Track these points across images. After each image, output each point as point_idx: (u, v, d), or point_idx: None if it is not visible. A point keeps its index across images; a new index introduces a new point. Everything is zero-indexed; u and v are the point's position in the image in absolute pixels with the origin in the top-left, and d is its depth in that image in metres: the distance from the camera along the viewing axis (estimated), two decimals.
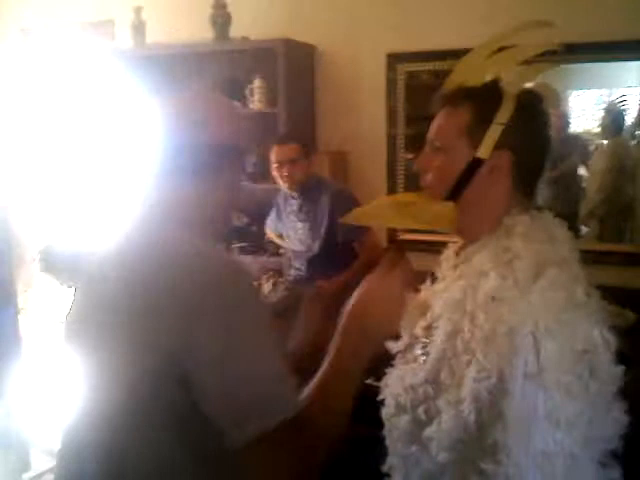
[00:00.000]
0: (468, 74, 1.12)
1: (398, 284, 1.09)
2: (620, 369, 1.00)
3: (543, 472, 0.92)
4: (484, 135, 1.07)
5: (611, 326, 1.00)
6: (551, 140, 1.13)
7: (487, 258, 1.06)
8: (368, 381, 1.29)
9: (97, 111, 4.16)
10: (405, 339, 1.19)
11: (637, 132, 3.20)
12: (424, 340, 1.12)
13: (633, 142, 3.26)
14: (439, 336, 1.07)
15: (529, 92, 1.10)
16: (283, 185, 3.14)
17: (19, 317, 3.04)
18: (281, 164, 3.08)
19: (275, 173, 3.13)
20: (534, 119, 1.11)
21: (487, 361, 0.96)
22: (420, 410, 1.06)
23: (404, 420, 1.10)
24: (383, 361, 1.20)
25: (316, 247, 3.11)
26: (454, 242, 1.22)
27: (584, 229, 3.45)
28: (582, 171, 3.47)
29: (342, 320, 1.07)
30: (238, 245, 3.77)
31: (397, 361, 1.21)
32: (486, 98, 1.08)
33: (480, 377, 0.96)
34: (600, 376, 0.96)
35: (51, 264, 2.66)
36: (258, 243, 3.71)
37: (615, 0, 3.05)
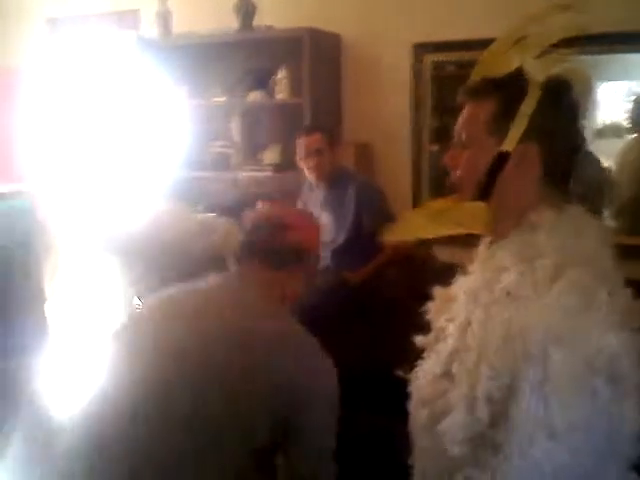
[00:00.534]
0: (492, 65, 1.08)
1: None
2: (636, 376, 0.94)
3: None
4: (509, 127, 1.04)
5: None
6: (582, 129, 1.09)
7: (510, 253, 1.03)
8: (398, 373, 1.29)
9: (121, 101, 4.18)
10: (433, 332, 1.18)
11: None
12: (441, 333, 1.12)
13: None
14: (454, 328, 1.06)
15: (556, 80, 1.05)
16: (310, 176, 3.15)
17: (46, 307, 3.08)
18: (308, 154, 3.08)
19: (302, 163, 3.13)
20: (561, 108, 1.06)
21: (499, 361, 0.93)
22: (438, 404, 1.04)
23: (424, 414, 1.09)
24: (414, 354, 1.19)
25: (341, 238, 3.11)
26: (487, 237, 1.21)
27: (612, 223, 3.40)
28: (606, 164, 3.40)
29: None
30: None
31: (425, 354, 1.19)
32: (510, 89, 1.05)
33: (493, 375, 0.93)
34: (621, 385, 0.91)
35: (113, 245, 2.73)
36: None
37: None
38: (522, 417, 0.90)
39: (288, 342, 1.44)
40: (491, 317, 0.98)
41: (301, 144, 3.11)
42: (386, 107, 3.62)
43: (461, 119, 1.11)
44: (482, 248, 1.18)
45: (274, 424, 1.36)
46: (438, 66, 3.45)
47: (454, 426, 0.98)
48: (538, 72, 1.04)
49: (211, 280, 1.61)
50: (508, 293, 0.98)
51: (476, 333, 0.99)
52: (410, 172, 3.59)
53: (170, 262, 2.65)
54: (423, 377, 1.12)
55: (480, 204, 1.08)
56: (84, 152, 4.56)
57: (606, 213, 3.39)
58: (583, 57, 3.22)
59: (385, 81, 3.60)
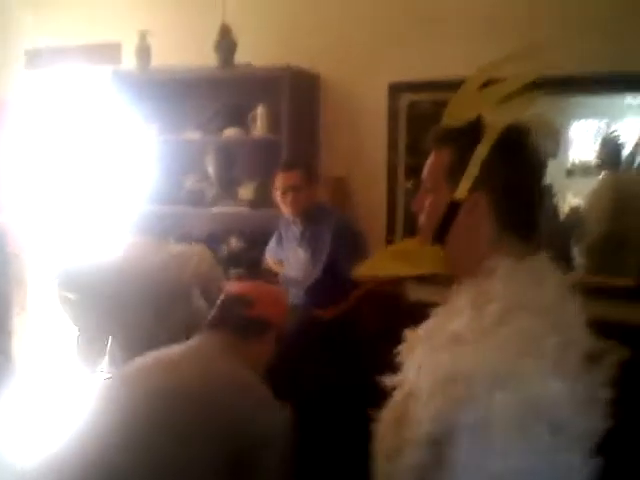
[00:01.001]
0: (455, 114, 1.11)
1: None
2: (596, 423, 0.94)
3: None
4: (462, 177, 1.05)
5: (604, 362, 0.97)
6: (540, 175, 1.10)
7: (464, 299, 1.04)
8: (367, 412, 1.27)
9: (96, 135, 4.17)
10: (400, 374, 1.17)
11: (635, 164, 3.20)
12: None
13: (631, 174, 3.27)
14: (407, 372, 1.07)
15: (513, 127, 1.06)
16: (287, 211, 3.15)
17: (12, 340, 3.01)
18: (285, 191, 3.08)
19: (279, 199, 3.14)
20: (515, 156, 1.06)
21: (441, 404, 0.92)
22: (392, 446, 1.03)
23: (382, 455, 1.08)
24: (383, 394, 1.18)
25: (315, 275, 3.10)
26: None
27: (579, 261, 3.45)
28: (576, 202, 3.47)
29: None
30: (235, 271, 3.75)
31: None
32: (466, 138, 1.06)
33: (435, 418, 0.92)
34: (564, 433, 0.91)
35: (71, 282, 2.64)
36: (255, 269, 3.69)
37: (612, 33, 3.08)
38: (462, 462, 0.89)
39: (245, 393, 1.62)
40: (437, 360, 0.98)
41: (279, 180, 3.11)
42: (363, 144, 3.66)
43: (425, 168, 1.14)
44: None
45: (230, 466, 1.50)
46: (413, 105, 3.51)
47: (402, 469, 0.97)
48: (498, 120, 1.05)
49: (181, 346, 1.77)
50: (457, 337, 0.98)
51: (422, 376, 0.99)
52: (385, 207, 3.62)
53: (142, 297, 2.58)
54: (382, 419, 1.11)
55: (436, 248, 1.11)
56: (58, 184, 4.54)
57: (575, 253, 3.44)
58: (552, 98, 3.36)
59: (362, 119, 3.65)
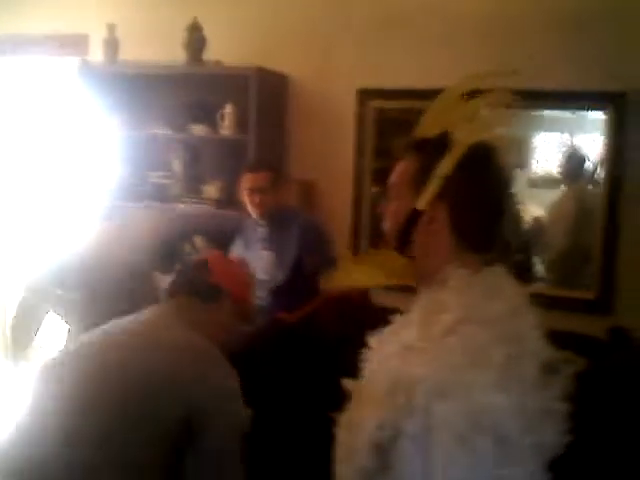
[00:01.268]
0: (427, 124, 1.13)
1: None
2: (550, 437, 0.95)
3: None
4: (425, 187, 1.07)
5: (560, 373, 0.99)
6: (503, 192, 1.12)
7: (419, 308, 1.06)
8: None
9: (61, 127, 4.10)
10: (358, 379, 1.18)
11: (596, 178, 3.27)
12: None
13: (592, 188, 3.34)
14: (362, 377, 1.08)
15: (479, 144, 1.08)
16: (253, 212, 3.13)
17: None
18: (252, 191, 3.07)
19: (245, 200, 3.11)
20: (479, 173, 1.08)
21: (385, 411, 0.93)
22: (344, 450, 1.05)
23: (338, 457, 1.08)
24: (345, 398, 1.18)
25: (280, 277, 3.09)
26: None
27: (537, 272, 3.51)
28: (539, 213, 3.54)
29: None
30: None
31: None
32: (432, 150, 1.08)
33: (379, 425, 0.93)
34: (508, 447, 0.91)
35: (61, 277, 2.59)
36: None
37: (577, 53, 3.16)
38: (404, 469, 0.91)
39: (196, 355, 1.61)
40: (386, 367, 0.99)
41: (247, 180, 3.09)
42: (330, 147, 3.67)
43: (392, 174, 1.16)
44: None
45: (183, 424, 1.51)
46: (381, 112, 3.53)
47: (351, 473, 0.98)
48: (465, 136, 1.07)
49: (136, 315, 1.78)
50: (407, 345, 1.00)
51: (372, 383, 1.01)
52: (351, 211, 3.64)
53: (120, 281, 2.56)
54: (341, 423, 1.11)
55: (400, 257, 1.12)
56: (22, 175, 4.44)
57: (537, 265, 3.51)
58: (517, 111, 3.42)
59: (330, 122, 3.66)
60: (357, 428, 1.00)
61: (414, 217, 1.08)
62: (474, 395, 0.90)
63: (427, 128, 1.12)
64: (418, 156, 1.10)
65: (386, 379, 0.96)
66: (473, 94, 1.13)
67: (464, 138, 1.06)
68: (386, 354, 1.03)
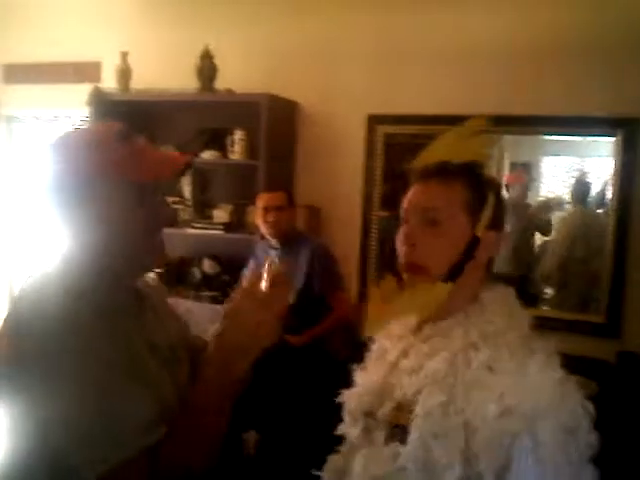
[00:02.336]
0: (446, 152, 1.14)
1: (271, 309, 1.07)
2: (596, 436, 0.98)
3: None
4: (481, 214, 1.09)
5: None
6: None
7: (471, 330, 1.05)
8: (314, 472, 1.25)
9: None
10: (359, 423, 1.15)
11: (604, 202, 3.28)
12: (393, 422, 1.08)
13: (599, 211, 3.36)
14: (424, 413, 1.02)
15: (495, 178, 1.18)
16: (266, 232, 3.16)
17: None
18: (267, 210, 3.11)
19: (259, 219, 3.16)
20: (503, 199, 1.17)
21: (494, 437, 0.94)
22: None
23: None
24: (323, 448, 1.17)
25: (290, 299, 3.10)
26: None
27: (546, 295, 3.52)
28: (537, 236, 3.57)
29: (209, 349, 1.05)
30: (209, 294, 3.74)
31: (348, 448, 1.17)
32: (477, 178, 1.12)
33: (489, 453, 0.94)
34: (581, 445, 0.96)
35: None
36: (229, 292, 3.67)
37: (586, 80, 3.19)
38: None
39: None
40: (476, 394, 0.98)
41: (262, 199, 3.15)
42: (339, 173, 3.71)
43: (425, 195, 1.11)
44: (396, 330, 1.19)
45: None
46: (390, 137, 3.57)
47: None
48: (486, 167, 1.15)
49: None
50: (490, 369, 1.00)
51: (459, 412, 0.99)
52: (359, 236, 3.66)
53: None
54: (365, 474, 1.08)
55: (448, 286, 1.08)
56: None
57: (547, 288, 3.52)
58: (529, 137, 3.46)
59: (339, 148, 3.70)
60: (452, 461, 0.97)
61: (473, 245, 1.09)
62: (566, 408, 0.95)
63: (448, 155, 1.13)
64: (465, 182, 1.10)
65: (489, 406, 0.95)
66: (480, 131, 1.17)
67: (489, 167, 1.15)
68: (464, 381, 1.00)
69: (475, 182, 1.11)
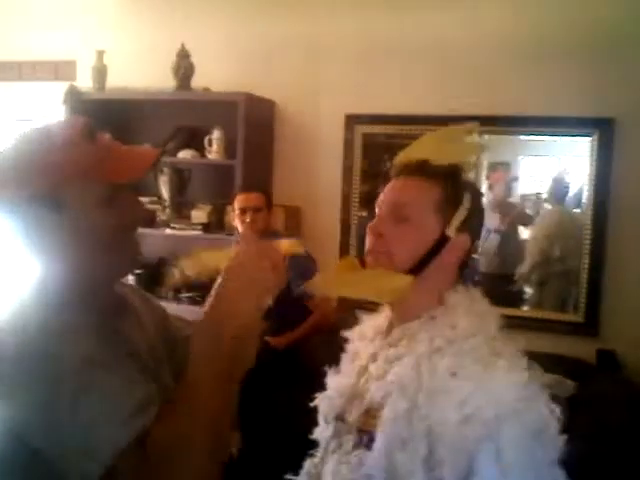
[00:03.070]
0: (427, 152, 1.13)
1: (269, 257, 1.01)
2: (562, 437, 0.98)
3: None
4: (453, 215, 1.10)
5: (552, 396, 1.00)
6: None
7: (436, 335, 1.05)
8: (287, 476, 1.24)
9: None
10: (330, 427, 1.15)
11: (582, 201, 3.30)
12: (361, 427, 1.07)
13: (577, 210, 3.37)
14: (388, 420, 1.01)
15: (474, 183, 1.18)
16: (244, 232, 3.14)
17: None
18: (244, 211, 3.10)
19: (237, 220, 3.14)
20: (481, 205, 1.17)
21: (457, 444, 0.94)
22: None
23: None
24: (299, 453, 1.16)
25: (268, 301, 3.08)
26: (369, 321, 1.22)
27: (526, 294, 3.54)
28: (524, 234, 3.59)
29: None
30: (187, 295, 3.71)
31: (322, 452, 1.16)
32: (454, 180, 1.12)
33: (452, 460, 0.94)
34: (548, 447, 0.96)
35: None
36: (207, 294, 3.64)
37: (565, 81, 3.22)
38: None
39: None
40: (441, 401, 0.97)
41: (240, 200, 3.13)
42: (317, 172, 3.69)
43: (401, 192, 1.13)
44: (366, 332, 1.20)
45: None
46: (368, 136, 3.56)
47: None
48: (472, 170, 1.17)
49: None
50: (454, 374, 0.99)
51: (423, 418, 0.98)
52: (338, 235, 3.64)
53: None
54: (344, 465, 1.07)
55: (409, 277, 1.08)
56: None
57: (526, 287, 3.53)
58: (507, 137, 3.48)
59: (317, 147, 3.68)
60: (414, 467, 0.97)
61: (441, 243, 1.09)
62: (532, 410, 0.95)
63: (430, 155, 1.12)
64: (441, 183, 1.11)
65: (451, 412, 0.95)
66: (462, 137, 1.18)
67: (470, 171, 1.16)
68: (427, 388, 0.99)
69: (452, 184, 1.11)
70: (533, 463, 0.94)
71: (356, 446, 1.06)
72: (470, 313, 1.07)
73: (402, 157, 1.15)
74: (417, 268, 1.09)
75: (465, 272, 1.16)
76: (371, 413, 1.06)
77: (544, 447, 0.95)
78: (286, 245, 1.04)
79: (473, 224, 1.13)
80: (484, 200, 1.20)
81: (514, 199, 3.58)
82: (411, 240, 1.10)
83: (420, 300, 1.10)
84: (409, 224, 1.10)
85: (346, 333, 1.25)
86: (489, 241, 3.57)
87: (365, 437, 1.05)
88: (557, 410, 0.98)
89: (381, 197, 1.15)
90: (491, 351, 1.01)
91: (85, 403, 0.91)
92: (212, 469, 0.93)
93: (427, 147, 1.15)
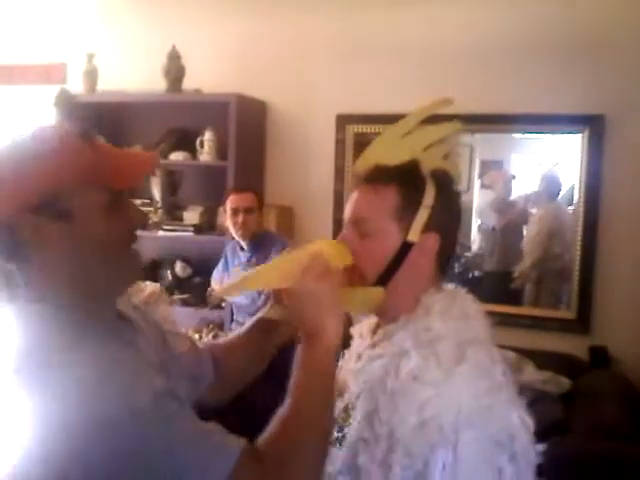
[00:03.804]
0: (383, 153, 1.09)
1: (327, 288, 1.00)
2: (537, 450, 0.97)
3: None
4: (413, 218, 1.05)
5: (546, 393, 1.00)
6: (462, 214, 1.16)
7: (408, 337, 1.03)
8: None
9: None
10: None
11: (574, 199, 3.31)
12: (341, 424, 1.07)
13: (569, 208, 3.39)
14: (356, 418, 1.02)
15: (444, 173, 1.09)
16: (236, 233, 3.15)
17: None
18: (236, 211, 3.10)
19: (229, 221, 3.14)
20: (453, 200, 1.11)
21: (413, 448, 0.93)
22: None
23: None
24: None
25: (261, 301, 3.08)
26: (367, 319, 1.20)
27: (524, 292, 3.54)
28: (523, 232, 3.61)
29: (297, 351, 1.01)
30: (180, 297, 3.70)
31: None
32: (411, 180, 1.06)
33: (407, 464, 0.93)
34: (518, 460, 0.94)
35: None
36: (200, 295, 3.65)
37: (555, 78, 3.22)
38: None
39: None
40: (400, 405, 0.97)
41: (232, 201, 3.13)
42: (309, 172, 3.69)
43: (358, 205, 1.09)
44: (364, 330, 1.18)
45: None
46: (359, 136, 3.57)
47: None
48: (434, 164, 1.08)
49: None
50: (415, 378, 0.98)
51: (384, 421, 0.97)
52: (331, 235, 3.63)
53: None
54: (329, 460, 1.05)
55: (379, 289, 1.07)
56: None
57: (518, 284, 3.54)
58: (499, 135, 3.49)
59: (309, 148, 3.69)
60: (371, 470, 0.97)
61: (404, 250, 1.06)
62: (495, 418, 0.93)
63: (382, 157, 1.08)
64: (395, 187, 1.06)
65: (408, 416, 0.94)
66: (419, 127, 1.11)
67: (433, 166, 1.07)
68: (390, 390, 0.99)
69: (408, 185, 1.06)
70: (496, 472, 0.92)
71: (333, 442, 1.06)
72: (446, 316, 1.03)
73: (358, 165, 1.11)
74: (384, 278, 1.06)
75: (450, 271, 1.13)
76: (348, 411, 1.07)
77: (511, 459, 0.93)
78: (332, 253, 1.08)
79: (441, 221, 1.06)
80: (460, 188, 1.13)
81: (512, 198, 3.60)
82: (373, 256, 1.07)
83: (397, 303, 1.07)
84: (369, 240, 1.06)
85: (352, 330, 1.24)
86: (489, 239, 3.59)
87: (340, 434, 1.06)
88: (528, 420, 0.96)
89: (345, 212, 1.12)
90: (458, 356, 0.97)
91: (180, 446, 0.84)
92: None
93: (378, 150, 1.10)
